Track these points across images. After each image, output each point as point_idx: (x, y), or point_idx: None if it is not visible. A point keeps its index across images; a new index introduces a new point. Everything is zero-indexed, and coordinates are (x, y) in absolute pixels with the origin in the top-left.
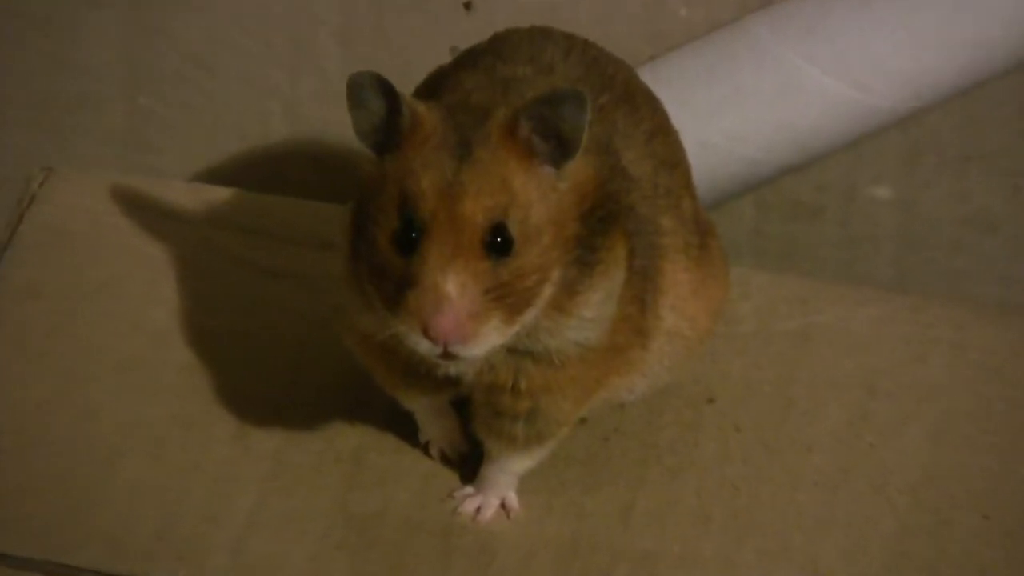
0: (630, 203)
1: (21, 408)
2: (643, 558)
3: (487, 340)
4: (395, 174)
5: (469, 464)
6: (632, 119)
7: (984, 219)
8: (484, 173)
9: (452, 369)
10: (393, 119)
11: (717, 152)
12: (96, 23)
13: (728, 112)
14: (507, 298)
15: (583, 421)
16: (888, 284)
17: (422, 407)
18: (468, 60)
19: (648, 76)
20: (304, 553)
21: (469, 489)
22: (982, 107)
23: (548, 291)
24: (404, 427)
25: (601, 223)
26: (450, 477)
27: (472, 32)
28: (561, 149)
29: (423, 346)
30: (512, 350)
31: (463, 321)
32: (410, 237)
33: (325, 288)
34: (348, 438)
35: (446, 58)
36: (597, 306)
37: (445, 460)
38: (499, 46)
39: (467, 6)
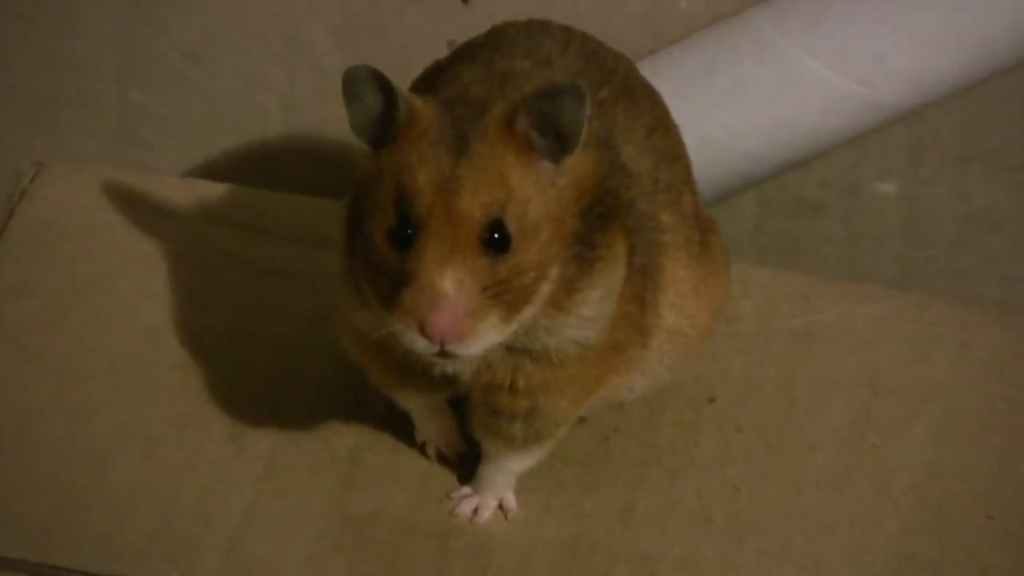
0: (630, 199)
1: (11, 407)
2: (643, 560)
3: (484, 338)
4: (391, 169)
5: (466, 464)
6: (632, 113)
7: (987, 217)
8: (481, 168)
9: (449, 368)
10: (389, 113)
11: (718, 147)
12: (90, 18)
13: (729, 106)
14: (505, 296)
15: (582, 420)
16: (891, 281)
17: (419, 406)
18: (465, 54)
19: (648, 70)
20: (299, 554)
21: (466, 490)
22: (985, 104)
23: (546, 289)
24: (401, 427)
25: (600, 219)
26: (447, 477)
27: (469, 26)
28: (560, 144)
29: (419, 344)
30: (510, 348)
31: (460, 319)
32: (406, 233)
33: (321, 285)
34: (344, 438)
35: (443, 52)
36: (596, 304)
37: (442, 460)
38: (497, 39)
39: (464, 0)
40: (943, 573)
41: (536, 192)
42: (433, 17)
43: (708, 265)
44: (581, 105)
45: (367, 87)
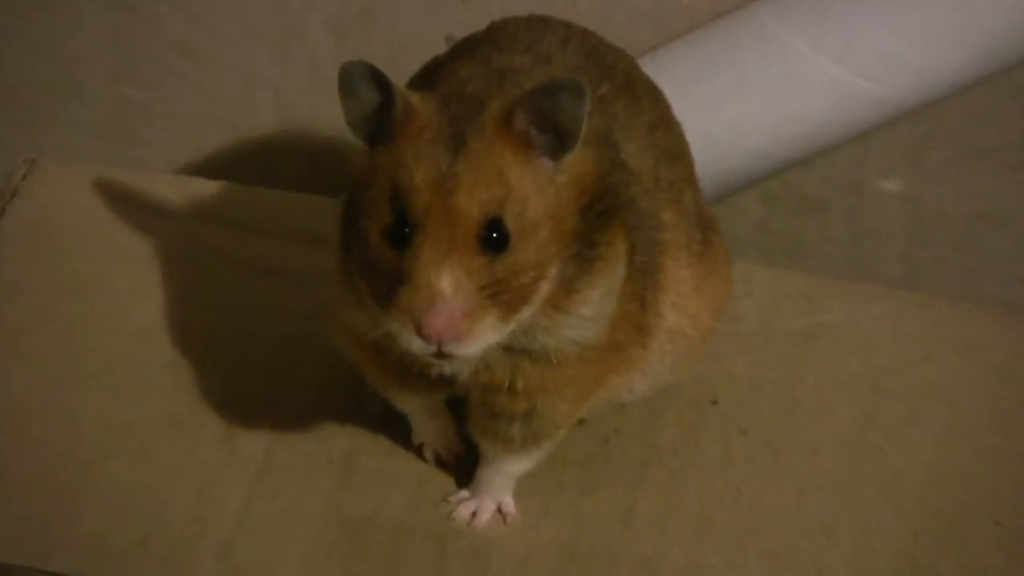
0: (630, 197)
1: (1, 408)
2: (643, 563)
3: (482, 338)
4: (387, 166)
5: (464, 467)
6: (633, 110)
7: (991, 215)
8: (479, 166)
9: (446, 368)
10: (386, 110)
11: (720, 145)
12: (81, 10)
13: (732, 103)
14: (503, 295)
15: (582, 422)
16: (895, 279)
17: (416, 408)
18: (464, 50)
19: (649, 66)
20: (294, 558)
21: (464, 493)
22: (990, 101)
23: (545, 288)
24: (397, 429)
25: (600, 218)
26: (445, 480)
27: (468, 21)
28: (559, 141)
29: (416, 345)
30: (508, 349)
31: (457, 319)
32: (403, 232)
33: (316, 284)
34: (340, 440)
35: (441, 48)
36: (596, 304)
37: (440, 463)
38: (496, 35)
39: None
40: None
41: (535, 190)
42: (431, 11)
43: (710, 264)
44: (581, 102)
45: (364, 83)
